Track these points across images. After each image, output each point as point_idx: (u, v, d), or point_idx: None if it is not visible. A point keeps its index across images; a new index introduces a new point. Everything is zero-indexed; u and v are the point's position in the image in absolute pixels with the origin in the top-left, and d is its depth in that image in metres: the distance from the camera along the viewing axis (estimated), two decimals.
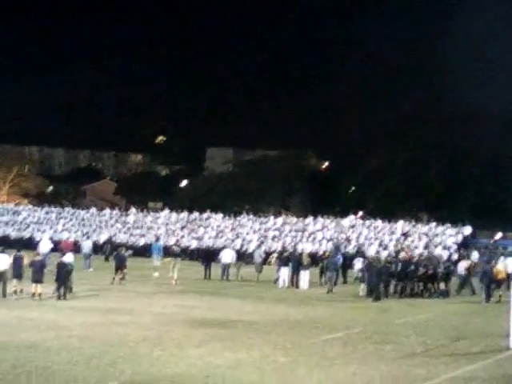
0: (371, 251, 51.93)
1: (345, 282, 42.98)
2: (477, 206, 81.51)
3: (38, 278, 29.86)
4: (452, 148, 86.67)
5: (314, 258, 47.60)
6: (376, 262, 37.67)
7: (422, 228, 60.08)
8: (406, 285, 37.69)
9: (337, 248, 50.92)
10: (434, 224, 60.79)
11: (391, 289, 36.90)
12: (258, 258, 45.16)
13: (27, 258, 31.14)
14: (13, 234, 68.60)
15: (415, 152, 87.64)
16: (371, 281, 35.71)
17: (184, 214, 68.04)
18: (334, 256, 42.89)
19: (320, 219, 63.23)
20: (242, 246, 58.07)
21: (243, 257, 49.67)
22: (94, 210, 73.96)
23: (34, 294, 29.76)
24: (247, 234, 62.11)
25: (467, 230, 59.14)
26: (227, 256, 44.21)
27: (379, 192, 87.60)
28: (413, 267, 38.11)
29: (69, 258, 33.46)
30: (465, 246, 56.28)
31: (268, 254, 50.42)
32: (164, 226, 65.96)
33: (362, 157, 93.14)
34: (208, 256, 46.67)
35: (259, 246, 52.65)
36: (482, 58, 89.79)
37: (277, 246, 56.59)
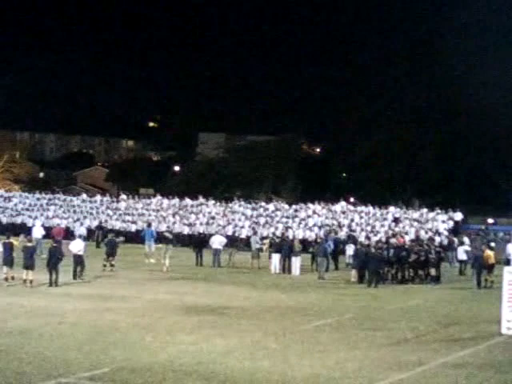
0: (362, 237, 51.97)
1: (336, 268, 43.05)
2: (468, 192, 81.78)
3: (29, 265, 29.80)
4: (445, 134, 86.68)
5: (305, 244, 47.67)
6: (365, 248, 37.85)
7: (413, 214, 60.14)
8: (398, 271, 37.80)
9: (327, 234, 50.98)
10: (425, 210, 60.87)
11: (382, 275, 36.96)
12: (254, 245, 44.93)
13: (17, 244, 31.08)
14: (4, 220, 68.46)
15: (407, 138, 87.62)
16: (361, 267, 35.95)
17: (175, 200, 67.95)
18: (325, 242, 42.91)
19: (311, 205, 63.22)
20: (233, 232, 58.04)
21: (235, 243, 49.54)
22: (85, 196, 73.82)
23: (25, 281, 29.72)
24: (239, 220, 62.11)
25: (458, 215, 59.24)
26: (216, 242, 44.17)
27: (371, 178, 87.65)
28: (404, 253, 38.18)
29: (78, 245, 33.70)
30: (456, 231, 56.38)
31: (260, 240, 50.33)
32: (155, 212, 65.89)
33: (354, 143, 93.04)
34: (199, 242, 46.58)
35: (255, 233, 52.25)
36: (481, 44, 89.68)
37: (268, 232, 56.58)
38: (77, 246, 33.70)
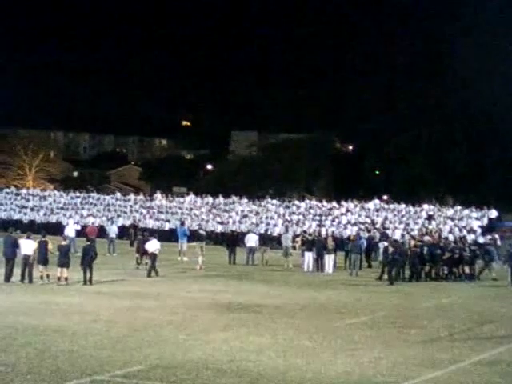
0: (396, 235, 51.76)
1: (369, 266, 42.94)
2: (503, 189, 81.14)
3: (63, 263, 30.04)
4: (477, 131, 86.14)
5: (338, 243, 47.57)
6: (398, 245, 37.85)
7: (447, 211, 59.81)
8: (431, 268, 37.65)
9: (360, 232, 50.86)
10: (459, 207, 60.52)
11: (408, 273, 36.80)
12: (286, 243, 44.83)
13: (51, 243, 31.30)
14: (39, 219, 69.03)
15: (440, 135, 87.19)
16: (394, 265, 35.93)
17: (209, 199, 68.15)
18: (358, 240, 42.83)
19: (344, 203, 63.11)
20: (266, 230, 58.07)
21: (268, 241, 49.49)
22: (118, 194, 74.26)
23: (59, 279, 29.95)
24: (271, 218, 62.12)
25: (493, 213, 58.83)
26: (252, 240, 44.19)
27: (404, 175, 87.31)
28: (438, 251, 38.01)
29: (154, 245, 35.17)
30: (491, 229, 55.98)
31: (293, 239, 50.20)
32: (188, 210, 66.11)
33: (387, 140, 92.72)
34: (232, 240, 46.61)
35: (287, 231, 51.92)
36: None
37: (300, 230, 56.50)
38: (154, 246, 35.38)
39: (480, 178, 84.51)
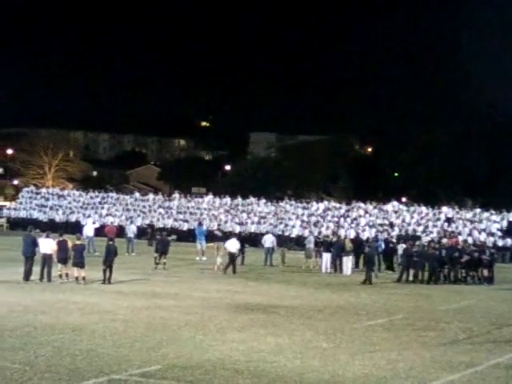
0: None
1: (388, 268, 42.81)
2: None
3: (77, 262, 30.08)
4: (496, 133, 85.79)
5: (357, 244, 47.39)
6: (417, 247, 37.88)
7: (467, 214, 59.57)
8: (450, 271, 37.54)
9: (379, 234, 50.73)
10: (478, 210, 60.27)
11: (424, 275, 36.73)
12: (309, 245, 44.24)
13: (70, 242, 31.40)
14: (58, 218, 69.35)
15: (459, 137, 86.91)
16: (414, 267, 35.97)
17: (227, 199, 68.23)
18: (376, 241, 42.74)
19: (362, 205, 63.01)
20: (284, 231, 58.03)
21: (287, 242, 49.34)
22: (137, 194, 74.48)
23: (77, 278, 30.04)
24: (289, 219, 62.10)
25: None
26: (269, 241, 44.16)
27: (423, 177, 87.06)
28: (457, 253, 37.89)
29: (235, 244, 37.37)
30: (510, 232, 55.70)
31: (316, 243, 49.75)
32: (207, 211, 66.20)
33: (405, 142, 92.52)
34: (250, 241, 46.48)
35: (310, 233, 50.96)
36: None
37: (319, 231, 56.40)
38: (234, 245, 37.54)
39: (499, 180, 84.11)
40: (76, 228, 57.24)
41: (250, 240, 49.54)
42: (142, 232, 58.60)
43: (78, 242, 31.23)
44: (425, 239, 48.38)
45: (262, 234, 49.84)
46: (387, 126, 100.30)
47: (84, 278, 29.99)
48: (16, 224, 68.84)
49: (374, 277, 37.26)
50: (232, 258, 37.52)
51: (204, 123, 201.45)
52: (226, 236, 42.79)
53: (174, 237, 44.33)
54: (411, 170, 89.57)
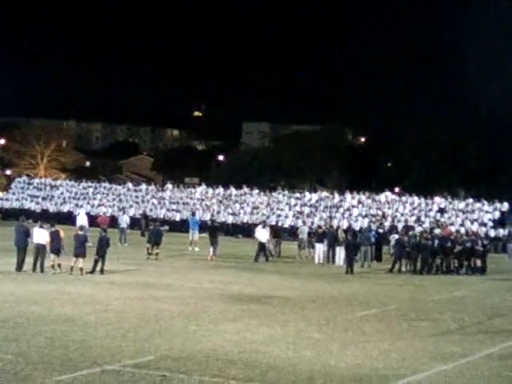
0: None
1: (380, 258, 42.85)
2: None
3: (79, 253, 30.04)
4: (489, 124, 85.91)
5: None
6: (408, 237, 38.03)
7: (459, 204, 59.65)
8: (443, 261, 37.60)
9: (371, 224, 50.74)
10: (470, 200, 60.36)
11: (416, 265, 36.84)
12: (303, 235, 44.10)
13: (62, 232, 31.32)
14: (51, 208, 69.26)
15: (453, 128, 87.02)
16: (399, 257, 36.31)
17: (220, 190, 68.19)
18: (369, 232, 42.75)
19: (356, 195, 63.02)
20: (277, 221, 58.00)
21: (280, 233, 49.02)
22: (130, 185, 74.37)
23: (72, 268, 29.93)
24: (282, 209, 62.10)
25: (505, 206, 58.64)
26: (262, 235, 42.62)
27: (416, 168, 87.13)
28: (449, 244, 37.96)
29: (264, 234, 39.70)
30: (502, 222, 55.81)
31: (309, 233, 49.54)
32: (200, 201, 66.17)
33: (399, 133, 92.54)
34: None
35: (304, 223, 50.72)
36: None
37: (311, 222, 56.35)
38: (264, 235, 39.58)
39: (492, 171, 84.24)
40: (68, 218, 57.21)
41: (244, 230, 49.40)
42: (134, 222, 58.51)
43: (79, 233, 31.17)
44: (417, 229, 48.39)
45: (255, 225, 49.73)
46: (382, 117, 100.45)
47: (81, 269, 29.80)
48: (8, 214, 68.70)
49: (365, 267, 37.34)
50: (262, 247, 39.13)
51: (197, 113, 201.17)
52: (220, 226, 42.66)
53: (166, 227, 44.23)
54: (405, 162, 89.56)
